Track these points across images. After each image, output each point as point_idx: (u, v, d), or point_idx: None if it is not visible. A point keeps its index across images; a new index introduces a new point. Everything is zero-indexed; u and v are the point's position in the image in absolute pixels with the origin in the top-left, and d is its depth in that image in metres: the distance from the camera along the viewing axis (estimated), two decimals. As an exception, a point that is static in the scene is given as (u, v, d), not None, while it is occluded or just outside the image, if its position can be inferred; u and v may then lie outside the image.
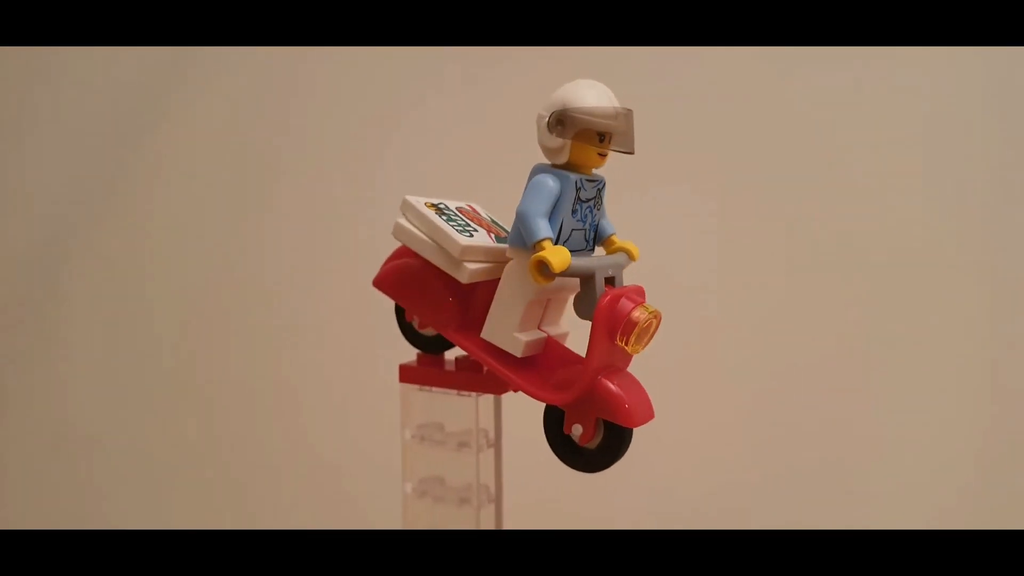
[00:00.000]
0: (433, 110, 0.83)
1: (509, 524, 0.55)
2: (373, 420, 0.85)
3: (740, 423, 0.82)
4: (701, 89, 0.80)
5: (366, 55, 0.83)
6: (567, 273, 0.47)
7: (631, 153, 0.49)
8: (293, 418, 0.89)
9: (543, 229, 0.47)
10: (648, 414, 0.48)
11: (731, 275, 0.81)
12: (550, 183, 0.48)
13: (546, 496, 0.75)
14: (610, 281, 0.49)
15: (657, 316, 0.47)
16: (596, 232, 0.51)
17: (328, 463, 0.88)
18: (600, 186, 0.50)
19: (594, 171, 0.50)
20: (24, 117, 0.90)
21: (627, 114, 0.48)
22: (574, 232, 0.49)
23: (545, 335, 0.51)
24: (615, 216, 0.52)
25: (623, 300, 0.47)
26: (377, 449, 0.85)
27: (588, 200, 0.49)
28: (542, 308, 0.51)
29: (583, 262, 0.48)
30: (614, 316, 0.47)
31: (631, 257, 0.50)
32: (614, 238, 0.51)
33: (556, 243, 0.48)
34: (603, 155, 0.49)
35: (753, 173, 0.80)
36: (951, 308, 0.79)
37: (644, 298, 0.48)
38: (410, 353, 0.58)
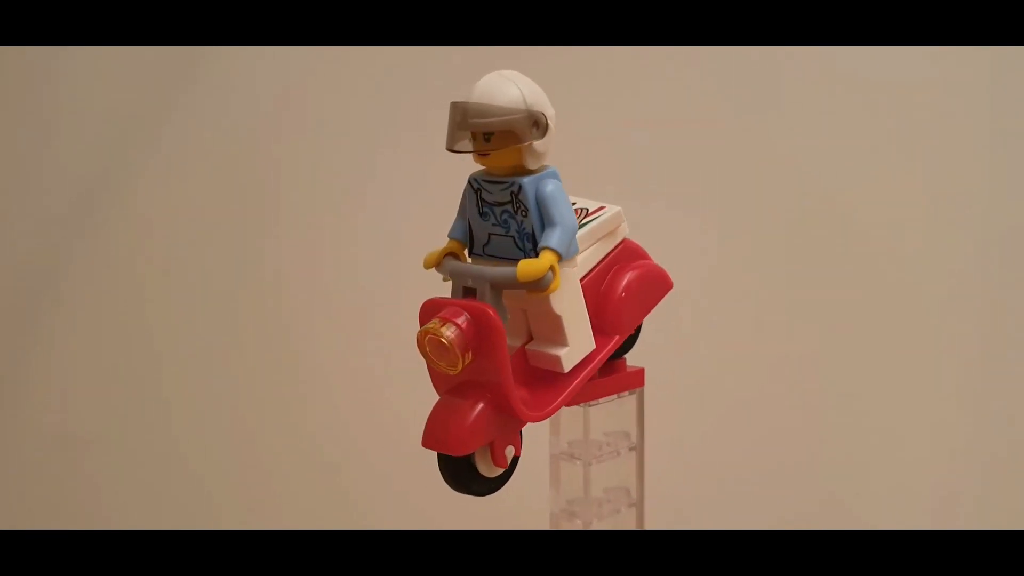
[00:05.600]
0: (443, 109, 0.83)
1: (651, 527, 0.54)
2: (376, 419, 0.86)
3: (741, 423, 0.82)
4: (696, 88, 0.80)
5: (373, 55, 0.82)
6: (441, 271, 0.48)
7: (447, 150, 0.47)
8: (295, 417, 0.88)
9: (452, 227, 0.48)
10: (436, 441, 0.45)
11: (727, 274, 0.81)
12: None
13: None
14: (470, 292, 0.46)
15: (428, 335, 0.44)
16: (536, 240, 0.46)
17: (331, 462, 0.88)
18: (512, 188, 0.46)
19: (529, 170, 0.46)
20: (24, 117, 0.88)
21: (457, 107, 0.46)
22: (494, 237, 0.47)
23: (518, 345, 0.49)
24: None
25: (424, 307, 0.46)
26: (380, 448, 0.86)
27: (499, 204, 0.46)
28: (521, 317, 0.49)
29: (447, 265, 0.47)
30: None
31: (518, 272, 0.44)
32: (542, 251, 0.45)
33: (471, 245, 0.48)
34: (482, 154, 0.46)
35: (747, 173, 0.80)
36: (950, 308, 0.79)
37: (456, 316, 0.44)
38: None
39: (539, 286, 0.44)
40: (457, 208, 0.49)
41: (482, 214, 0.47)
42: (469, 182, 0.47)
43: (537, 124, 0.45)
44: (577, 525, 0.53)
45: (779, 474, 0.82)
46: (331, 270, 0.88)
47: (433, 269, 0.48)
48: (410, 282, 0.58)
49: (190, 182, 0.88)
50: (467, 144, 0.46)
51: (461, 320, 0.44)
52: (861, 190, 0.79)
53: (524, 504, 0.55)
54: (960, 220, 0.79)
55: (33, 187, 0.90)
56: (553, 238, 0.45)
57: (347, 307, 0.88)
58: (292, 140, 0.88)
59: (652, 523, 0.55)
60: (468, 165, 0.49)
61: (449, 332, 0.43)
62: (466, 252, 0.49)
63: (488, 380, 0.45)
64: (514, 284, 0.45)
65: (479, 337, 0.44)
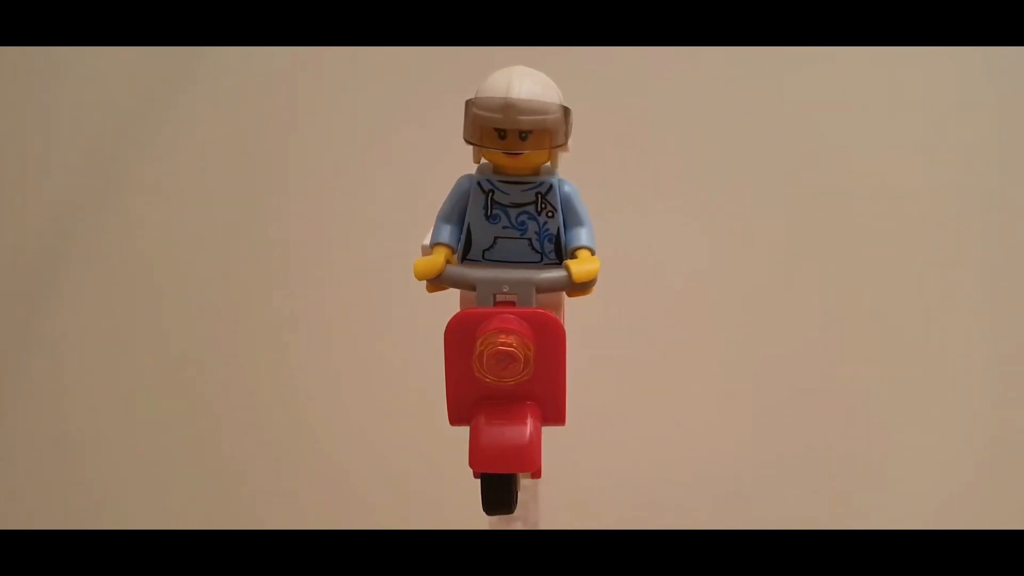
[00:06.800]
0: (443, 109, 0.76)
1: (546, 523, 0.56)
2: (378, 419, 0.87)
3: (740, 422, 0.85)
4: (699, 88, 0.81)
5: (375, 55, 0.81)
6: (439, 281, 0.44)
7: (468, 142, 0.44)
8: (296, 417, 0.88)
9: (433, 233, 0.45)
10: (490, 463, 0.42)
11: (728, 273, 0.83)
12: (459, 185, 0.45)
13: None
14: (512, 301, 0.43)
15: (489, 347, 0.42)
16: (559, 241, 0.45)
17: (332, 462, 0.88)
18: (540, 189, 0.44)
19: (546, 171, 0.45)
20: (23, 116, 0.85)
21: (514, 105, 0.41)
22: (501, 240, 0.45)
23: None
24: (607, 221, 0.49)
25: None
26: (381, 447, 0.88)
27: (518, 205, 0.45)
28: None
29: (462, 273, 0.44)
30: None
31: (570, 276, 0.43)
32: (578, 252, 0.44)
33: (468, 249, 0.45)
34: (511, 154, 0.43)
35: (749, 173, 0.82)
36: (953, 307, 0.82)
37: (515, 325, 0.42)
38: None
39: (587, 287, 0.43)
40: (438, 213, 0.45)
41: (491, 216, 0.45)
42: (478, 183, 0.44)
43: (568, 123, 0.44)
44: (517, 526, 0.52)
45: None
46: (336, 270, 0.86)
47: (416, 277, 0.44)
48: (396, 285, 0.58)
49: (190, 181, 0.86)
50: (494, 140, 0.43)
51: (522, 328, 0.42)
52: (857, 187, 0.81)
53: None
54: (962, 221, 0.82)
55: (32, 186, 0.87)
56: (586, 237, 0.44)
57: (347, 308, 0.87)
58: (291, 141, 0.86)
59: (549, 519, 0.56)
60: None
61: (516, 342, 0.41)
62: (456, 258, 0.45)
63: (531, 389, 0.43)
64: (566, 286, 0.43)
65: (542, 344, 0.42)
